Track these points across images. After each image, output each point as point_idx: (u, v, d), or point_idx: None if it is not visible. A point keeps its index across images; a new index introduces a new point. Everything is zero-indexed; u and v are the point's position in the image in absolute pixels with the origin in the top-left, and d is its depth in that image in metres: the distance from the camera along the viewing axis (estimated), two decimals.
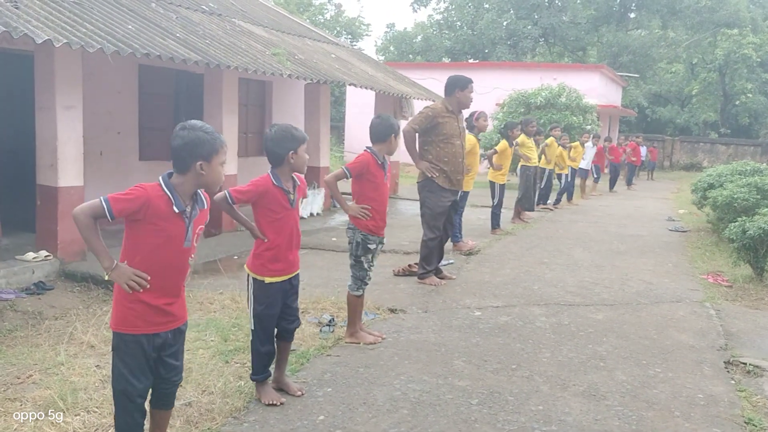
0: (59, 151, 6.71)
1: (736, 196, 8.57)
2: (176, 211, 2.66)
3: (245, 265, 3.71)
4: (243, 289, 5.93)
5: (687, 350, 4.75)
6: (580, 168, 15.00)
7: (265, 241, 3.60)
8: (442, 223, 6.44)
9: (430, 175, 6.31)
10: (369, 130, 4.78)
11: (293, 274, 3.74)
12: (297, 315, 3.84)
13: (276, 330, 3.74)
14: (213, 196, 2.83)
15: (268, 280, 3.62)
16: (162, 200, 2.65)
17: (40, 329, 5.14)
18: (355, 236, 4.59)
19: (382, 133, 4.73)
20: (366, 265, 4.61)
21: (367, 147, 4.76)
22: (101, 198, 2.60)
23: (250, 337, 3.74)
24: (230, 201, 3.59)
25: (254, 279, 3.64)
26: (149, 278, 2.65)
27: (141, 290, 2.65)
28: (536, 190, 11.22)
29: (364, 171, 4.59)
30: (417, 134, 6.35)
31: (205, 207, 2.84)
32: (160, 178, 2.70)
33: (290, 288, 3.73)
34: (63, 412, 3.42)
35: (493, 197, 9.62)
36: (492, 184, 9.62)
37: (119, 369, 2.73)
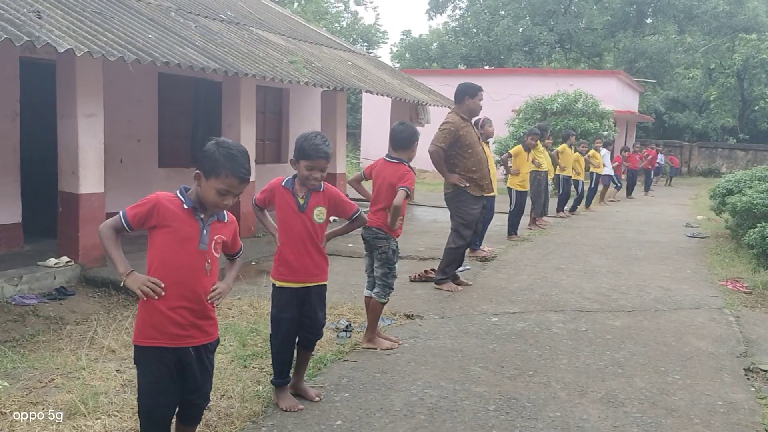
0: (80, 158, 6.80)
1: (755, 201, 8.48)
2: (186, 207, 2.68)
3: None
4: (261, 295, 6.02)
5: (706, 357, 4.71)
6: (604, 174, 15.10)
7: (277, 244, 3.65)
8: (474, 230, 6.57)
9: (463, 186, 6.35)
10: (392, 137, 4.83)
11: (311, 284, 3.67)
12: (319, 327, 3.79)
13: (298, 338, 3.75)
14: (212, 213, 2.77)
15: (278, 284, 3.65)
16: (173, 203, 2.69)
17: (61, 334, 5.22)
18: (390, 245, 4.65)
19: (408, 140, 4.79)
20: (395, 272, 4.69)
21: (396, 158, 4.78)
22: (120, 212, 2.69)
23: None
24: (255, 204, 3.79)
25: (272, 283, 3.70)
26: (164, 285, 2.63)
27: (156, 297, 2.62)
28: (547, 196, 11.22)
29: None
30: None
31: (226, 220, 2.81)
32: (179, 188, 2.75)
33: (309, 297, 3.68)
34: (84, 416, 3.46)
35: (510, 203, 9.65)
36: (510, 190, 9.67)
37: (142, 384, 2.73)
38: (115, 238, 2.69)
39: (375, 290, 4.65)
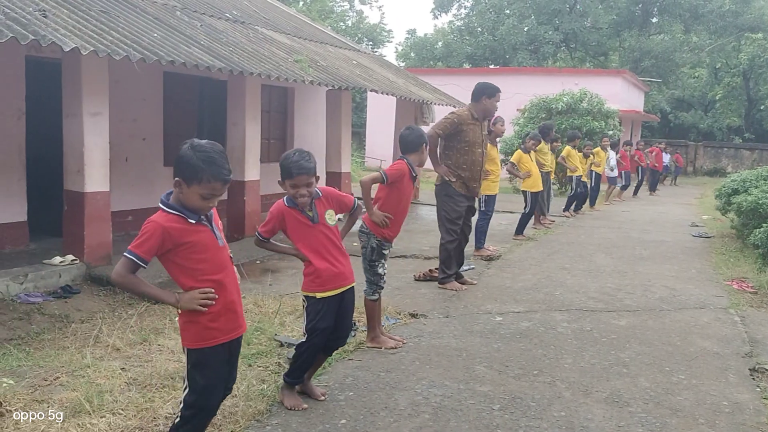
0: (86, 156, 6.83)
1: (761, 201, 8.45)
2: (192, 222, 2.68)
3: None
4: (266, 294, 6.03)
5: (711, 357, 4.70)
6: (609, 176, 15.09)
7: (306, 260, 3.63)
8: (460, 226, 6.46)
9: (447, 179, 6.33)
10: (399, 141, 4.85)
11: (344, 288, 3.69)
12: (345, 336, 3.83)
13: None
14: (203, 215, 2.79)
15: (319, 295, 3.63)
16: (175, 221, 2.66)
17: (66, 332, 5.23)
18: (370, 241, 4.61)
19: (413, 143, 4.79)
20: (380, 270, 4.62)
21: (402, 156, 4.80)
22: (124, 254, 2.63)
23: (295, 348, 3.73)
24: (261, 238, 3.72)
25: (306, 296, 3.67)
26: (213, 290, 2.71)
27: (214, 303, 2.71)
28: (549, 196, 11.24)
29: (398, 179, 4.66)
30: (440, 139, 6.37)
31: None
32: (160, 201, 2.70)
33: (341, 302, 3.70)
34: (89, 414, 3.47)
35: (525, 206, 9.75)
36: (524, 192, 9.77)
37: (201, 385, 2.75)
38: (139, 279, 2.67)
39: (364, 288, 4.65)
